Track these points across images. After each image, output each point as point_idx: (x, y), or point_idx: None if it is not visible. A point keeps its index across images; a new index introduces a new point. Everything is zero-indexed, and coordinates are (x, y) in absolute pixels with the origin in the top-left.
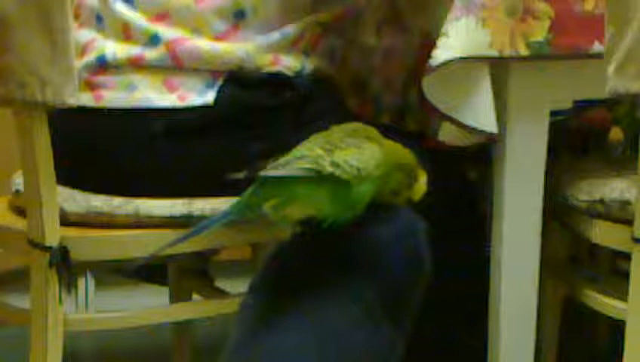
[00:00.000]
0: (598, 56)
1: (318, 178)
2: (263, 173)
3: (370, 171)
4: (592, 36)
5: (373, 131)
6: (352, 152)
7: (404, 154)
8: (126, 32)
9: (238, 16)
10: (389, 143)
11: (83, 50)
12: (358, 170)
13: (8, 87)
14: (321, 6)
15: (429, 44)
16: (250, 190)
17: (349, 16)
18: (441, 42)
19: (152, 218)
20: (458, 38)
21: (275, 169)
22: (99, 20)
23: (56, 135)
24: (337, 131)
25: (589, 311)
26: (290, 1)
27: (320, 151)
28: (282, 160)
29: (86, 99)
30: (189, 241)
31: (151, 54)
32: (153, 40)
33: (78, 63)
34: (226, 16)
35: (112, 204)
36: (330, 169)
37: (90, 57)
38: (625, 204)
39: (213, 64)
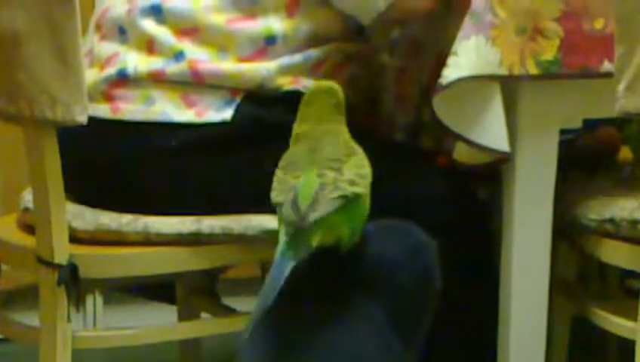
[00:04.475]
0: (608, 75)
1: (345, 203)
2: (312, 217)
3: (368, 171)
4: (601, 55)
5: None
6: (355, 161)
7: (325, 103)
8: (150, 47)
9: (269, 42)
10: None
11: (104, 63)
12: (365, 177)
13: (18, 105)
14: (351, 38)
15: (442, 62)
16: (291, 233)
17: (374, 52)
18: (451, 61)
19: (161, 235)
20: (468, 57)
21: (314, 210)
22: (121, 32)
23: (67, 149)
24: (318, 136)
25: (598, 330)
26: (320, 31)
27: (332, 174)
28: (306, 196)
29: (103, 110)
30: (198, 259)
31: (172, 69)
32: (177, 57)
33: (98, 76)
34: (256, 41)
35: (121, 221)
36: (351, 189)
37: (111, 71)
38: (634, 223)
39: (234, 82)
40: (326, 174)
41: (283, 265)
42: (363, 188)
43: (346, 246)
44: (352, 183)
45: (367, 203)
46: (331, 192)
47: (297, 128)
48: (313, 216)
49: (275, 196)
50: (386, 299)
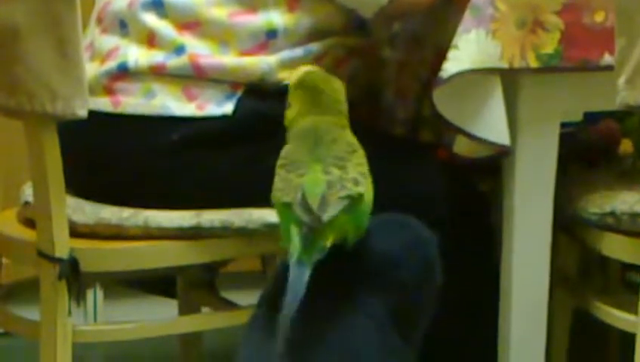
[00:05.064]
0: (608, 68)
1: (351, 202)
2: (325, 217)
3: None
4: (602, 48)
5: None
6: (357, 159)
7: (337, 95)
8: (151, 40)
9: (270, 36)
10: (331, 91)
11: (105, 57)
12: (366, 176)
13: (18, 99)
14: (352, 32)
15: (443, 56)
16: (304, 235)
17: (375, 46)
18: (452, 55)
19: (162, 229)
20: (468, 51)
21: (324, 210)
22: (122, 26)
23: (67, 143)
24: (319, 129)
25: (599, 323)
26: (321, 25)
27: (338, 172)
28: (313, 195)
29: (103, 103)
30: (198, 253)
31: (173, 63)
32: (178, 50)
33: (99, 69)
34: (257, 35)
35: (122, 215)
36: (355, 189)
37: (112, 64)
38: (635, 216)
39: (235, 76)
40: (332, 172)
41: (301, 272)
42: (365, 186)
43: (350, 244)
44: (356, 183)
45: (370, 200)
46: (338, 191)
47: (297, 122)
48: (326, 215)
49: (281, 196)
50: (386, 294)
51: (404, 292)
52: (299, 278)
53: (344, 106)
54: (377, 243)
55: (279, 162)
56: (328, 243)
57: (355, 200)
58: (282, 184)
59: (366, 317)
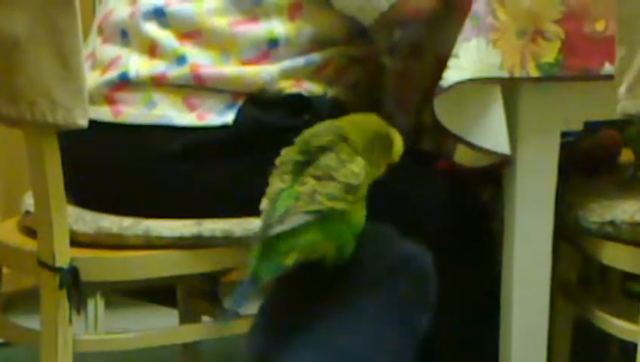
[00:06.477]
0: (609, 77)
1: (322, 218)
2: (276, 230)
3: (362, 184)
4: (602, 57)
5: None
6: (348, 172)
7: (373, 123)
8: (152, 50)
9: (271, 46)
10: (359, 120)
11: (106, 66)
12: (355, 191)
13: (19, 108)
14: (354, 41)
15: (443, 65)
16: (262, 249)
17: (376, 55)
18: (452, 63)
19: (162, 239)
20: (468, 60)
21: (281, 222)
22: (123, 35)
23: (68, 152)
24: (309, 144)
25: (600, 332)
26: (323, 34)
27: (313, 183)
28: (281, 206)
29: (104, 113)
30: (198, 262)
31: (174, 73)
32: (179, 60)
33: (100, 79)
34: (259, 44)
35: (122, 224)
36: (329, 204)
37: (113, 74)
38: (636, 226)
39: (236, 85)
40: (307, 183)
41: (248, 286)
42: (348, 203)
43: (332, 261)
44: (333, 198)
45: (357, 219)
46: (305, 205)
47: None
48: (278, 228)
49: (262, 202)
50: (385, 300)
51: (402, 299)
52: (243, 293)
53: (366, 145)
54: (373, 254)
55: (277, 160)
56: (288, 260)
57: (328, 216)
58: (269, 188)
59: (367, 323)
